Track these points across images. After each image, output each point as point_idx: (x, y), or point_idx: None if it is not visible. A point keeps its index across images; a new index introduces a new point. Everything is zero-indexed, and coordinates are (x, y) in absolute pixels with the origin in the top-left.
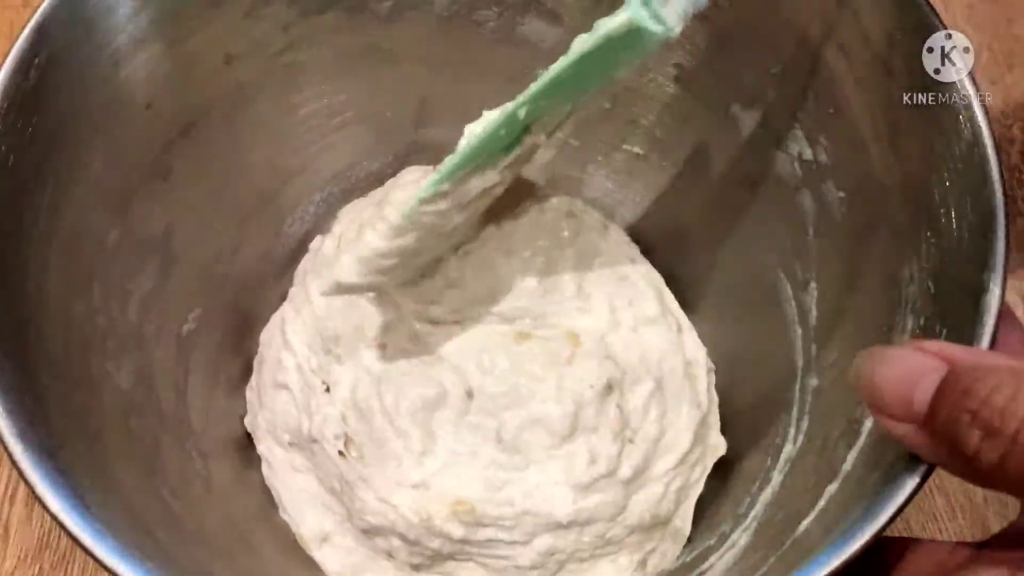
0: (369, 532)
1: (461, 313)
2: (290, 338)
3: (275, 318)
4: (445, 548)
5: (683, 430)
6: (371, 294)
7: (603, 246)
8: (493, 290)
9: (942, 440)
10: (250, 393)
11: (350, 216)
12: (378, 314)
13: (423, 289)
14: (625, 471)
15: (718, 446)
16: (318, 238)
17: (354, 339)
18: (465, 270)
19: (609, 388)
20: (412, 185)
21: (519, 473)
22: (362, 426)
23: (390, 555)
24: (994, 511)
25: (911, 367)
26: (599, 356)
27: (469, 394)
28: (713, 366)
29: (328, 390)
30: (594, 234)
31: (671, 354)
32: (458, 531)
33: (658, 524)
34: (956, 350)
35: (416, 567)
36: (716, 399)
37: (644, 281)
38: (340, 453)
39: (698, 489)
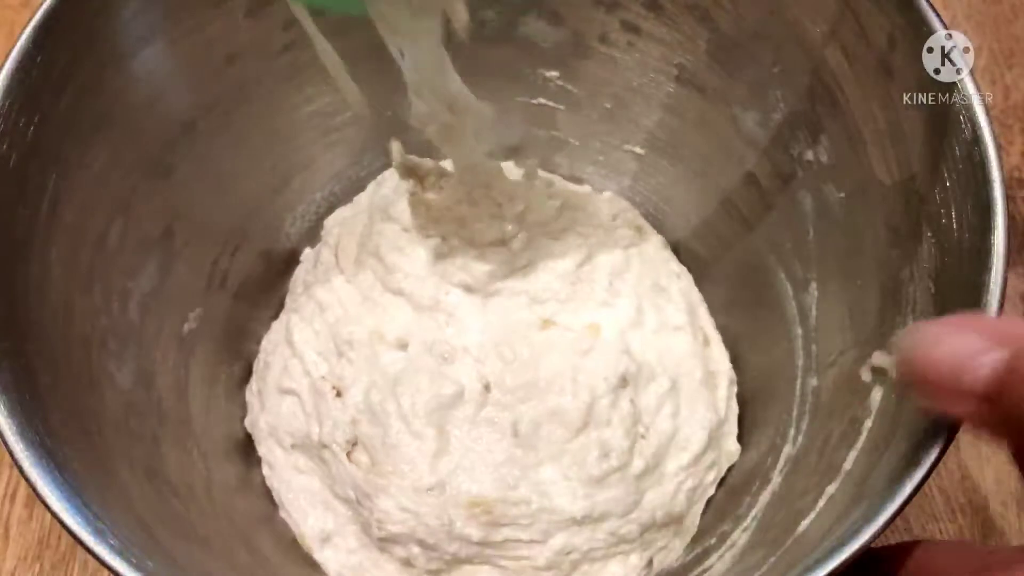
0: (388, 540)
1: (496, 284)
2: (298, 346)
3: (277, 326)
4: (462, 552)
5: (697, 429)
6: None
7: (652, 255)
8: (531, 265)
9: (1011, 421)
10: (250, 395)
11: (340, 226)
12: (407, 310)
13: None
14: (637, 466)
15: (733, 453)
16: (308, 250)
17: (370, 342)
18: (517, 236)
19: (624, 382)
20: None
21: (533, 470)
22: (376, 430)
23: (408, 563)
24: (995, 511)
25: (963, 345)
26: (616, 350)
27: (487, 388)
28: (736, 378)
29: (339, 395)
30: (650, 248)
31: (690, 358)
32: (477, 533)
33: (670, 523)
34: (1013, 326)
35: (430, 572)
36: (736, 409)
37: (680, 294)
38: (347, 455)
39: (710, 492)
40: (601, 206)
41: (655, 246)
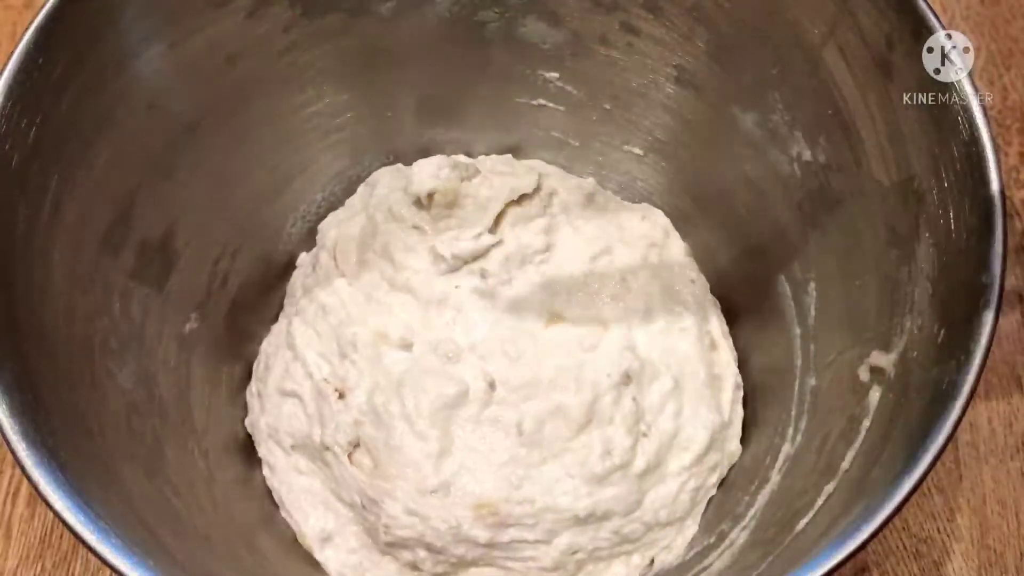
0: (395, 545)
1: (511, 272)
2: (300, 348)
3: (277, 329)
4: (469, 554)
5: (699, 430)
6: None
7: (670, 259)
8: (549, 250)
9: None
10: (250, 396)
11: (336, 229)
12: (413, 308)
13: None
14: (639, 464)
15: (735, 454)
16: (304, 255)
17: (374, 343)
18: (539, 219)
19: (627, 378)
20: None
21: (536, 469)
22: (379, 432)
23: (415, 566)
24: (993, 510)
25: None
26: (621, 347)
27: (491, 386)
28: (742, 383)
29: (341, 396)
30: (670, 251)
31: (696, 360)
32: (484, 535)
33: (673, 522)
34: None
35: (436, 575)
36: (741, 413)
37: (692, 298)
38: (349, 457)
39: (712, 493)
40: (632, 206)
41: (676, 250)
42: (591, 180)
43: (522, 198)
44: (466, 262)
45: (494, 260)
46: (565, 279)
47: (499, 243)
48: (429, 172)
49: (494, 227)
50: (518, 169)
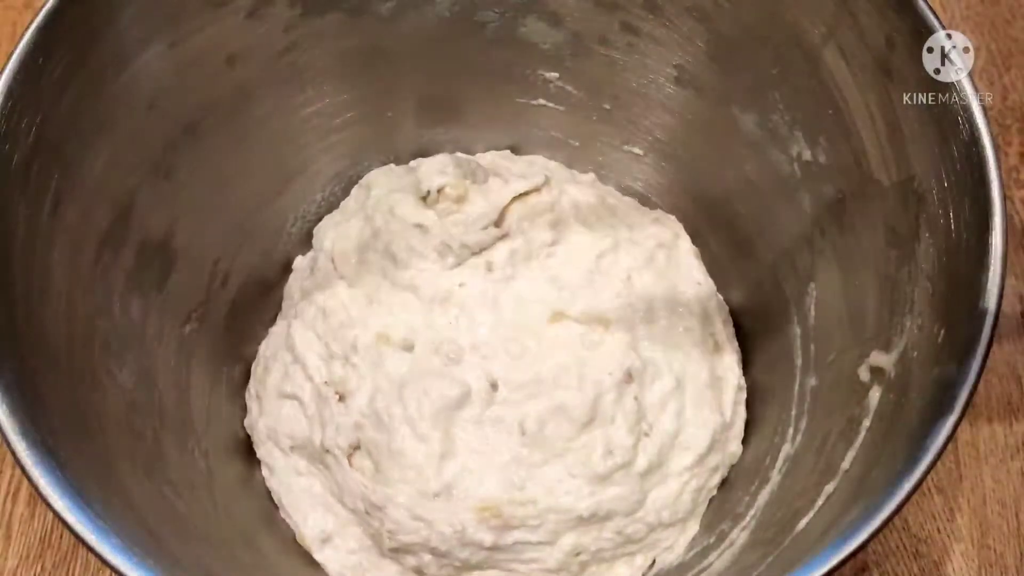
0: (400, 551)
1: (515, 268)
2: (300, 351)
3: (276, 331)
4: (473, 558)
5: (701, 429)
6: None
7: (678, 260)
8: (555, 245)
9: None
10: (249, 398)
11: (334, 231)
12: (416, 307)
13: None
14: (641, 463)
15: (736, 454)
16: (299, 258)
17: (376, 345)
18: (546, 215)
19: (629, 377)
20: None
21: (539, 469)
22: (381, 435)
23: (419, 570)
24: (993, 510)
25: None
26: (624, 345)
27: (494, 386)
28: (744, 386)
29: (341, 399)
30: (679, 253)
31: (698, 361)
32: (488, 537)
33: (676, 523)
34: None
35: None
36: (743, 415)
37: (696, 300)
38: (348, 460)
39: (714, 493)
40: (644, 210)
41: (684, 252)
42: (591, 175)
43: (530, 193)
44: (473, 253)
45: (500, 253)
46: (570, 275)
47: (505, 236)
48: (437, 168)
49: (501, 222)
50: (519, 164)
